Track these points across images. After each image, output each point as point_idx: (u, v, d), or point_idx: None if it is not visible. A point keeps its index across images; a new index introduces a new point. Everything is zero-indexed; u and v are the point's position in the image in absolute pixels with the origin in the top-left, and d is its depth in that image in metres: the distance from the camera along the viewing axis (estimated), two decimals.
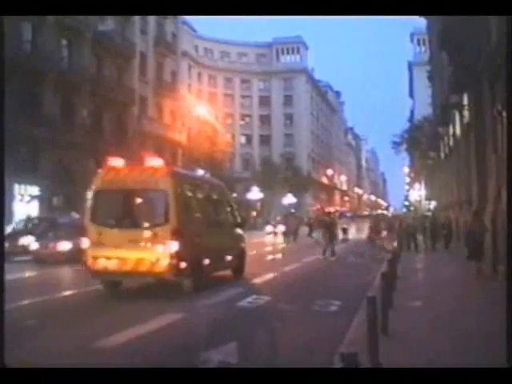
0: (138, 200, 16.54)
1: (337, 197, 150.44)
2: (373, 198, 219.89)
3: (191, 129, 72.18)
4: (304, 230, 55.62)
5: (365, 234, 48.88)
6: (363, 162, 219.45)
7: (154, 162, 16.67)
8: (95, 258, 15.46)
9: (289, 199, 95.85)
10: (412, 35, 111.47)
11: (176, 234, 15.12)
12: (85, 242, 15.79)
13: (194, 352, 8.86)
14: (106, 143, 50.16)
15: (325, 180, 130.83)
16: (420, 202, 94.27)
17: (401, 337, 9.69)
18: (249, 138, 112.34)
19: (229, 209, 21.01)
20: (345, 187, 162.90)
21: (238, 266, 20.16)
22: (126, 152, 32.06)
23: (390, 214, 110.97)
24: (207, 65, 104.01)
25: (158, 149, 61.49)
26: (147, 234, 15.30)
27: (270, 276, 20.83)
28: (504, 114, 17.10)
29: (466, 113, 29.90)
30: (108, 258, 15.33)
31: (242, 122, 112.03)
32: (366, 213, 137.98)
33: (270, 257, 31.73)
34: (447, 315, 11.85)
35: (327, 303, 14.16)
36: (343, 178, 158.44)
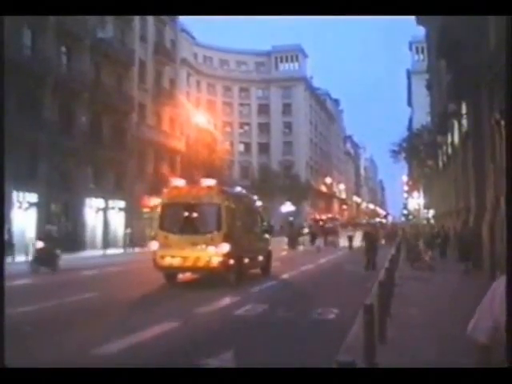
0: (196, 212, 20.90)
1: (335, 205, 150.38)
2: (371, 206, 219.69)
3: (190, 136, 72.19)
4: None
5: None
6: (362, 171, 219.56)
7: (208, 182, 21.67)
8: (163, 256, 20.19)
9: (287, 207, 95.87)
10: (411, 44, 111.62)
11: (226, 238, 19.95)
12: (154, 245, 20.70)
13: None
14: (105, 150, 50.18)
15: (323, 188, 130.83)
16: (418, 210, 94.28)
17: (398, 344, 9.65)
18: (247, 146, 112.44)
19: (259, 218, 26.02)
20: (343, 195, 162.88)
21: (266, 266, 24.90)
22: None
23: (389, 223, 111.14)
24: (206, 73, 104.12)
25: (157, 156, 61.58)
26: (204, 238, 20.12)
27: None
28: (502, 122, 17.12)
29: (464, 121, 29.94)
30: (173, 257, 20.07)
31: (241, 130, 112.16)
32: (364, 221, 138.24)
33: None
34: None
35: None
36: (342, 186, 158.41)
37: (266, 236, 26.17)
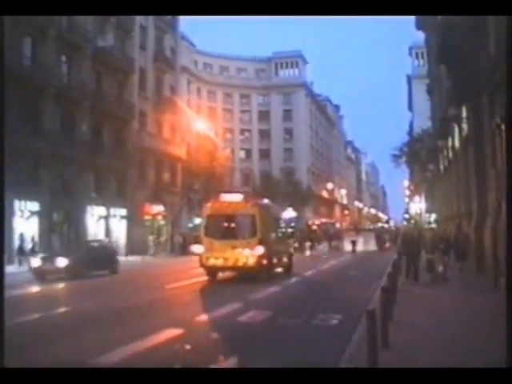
0: (235, 221, 25.30)
1: (337, 210, 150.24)
2: (373, 211, 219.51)
3: (191, 144, 72.17)
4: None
5: (370, 246, 57.74)
6: (363, 176, 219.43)
7: (237, 196, 26.31)
8: (208, 258, 24.57)
9: (289, 213, 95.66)
10: (410, 49, 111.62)
11: (260, 243, 24.38)
12: (200, 249, 25.06)
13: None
14: (106, 158, 50.22)
15: (325, 194, 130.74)
16: (420, 214, 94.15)
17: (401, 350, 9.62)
18: (248, 153, 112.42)
19: (283, 225, 31.80)
20: (345, 201, 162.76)
21: (288, 266, 29.28)
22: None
23: (393, 227, 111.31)
24: (206, 80, 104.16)
25: (158, 164, 61.60)
26: (242, 242, 24.55)
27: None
28: (503, 127, 17.12)
29: (464, 126, 29.92)
30: (216, 258, 24.49)
31: (242, 137, 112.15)
32: (369, 226, 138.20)
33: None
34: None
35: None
36: (343, 191, 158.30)
37: (289, 241, 31.91)
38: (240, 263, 24.40)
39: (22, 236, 39.01)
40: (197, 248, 25.94)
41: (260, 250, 24.31)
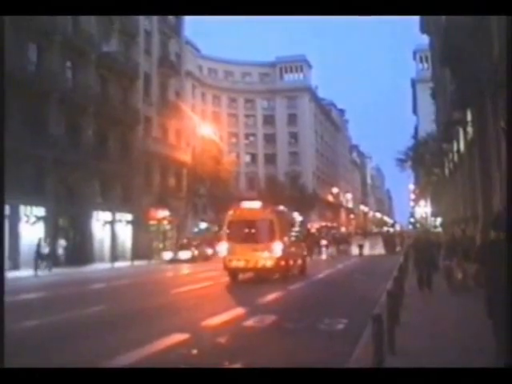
0: (255, 226, 27.15)
1: (342, 214, 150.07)
2: (379, 215, 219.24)
3: (196, 148, 72.25)
4: None
5: (377, 250, 58.65)
6: (368, 180, 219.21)
7: (255, 204, 28.56)
8: (230, 260, 26.36)
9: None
10: (415, 53, 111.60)
11: (278, 246, 26.12)
12: (224, 251, 26.92)
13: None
14: (111, 163, 50.31)
15: (330, 198, 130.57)
16: (426, 218, 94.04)
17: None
18: (254, 157, 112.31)
19: (297, 229, 34.12)
20: (350, 205, 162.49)
21: (303, 268, 30.86)
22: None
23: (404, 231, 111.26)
24: (211, 84, 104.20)
25: (163, 169, 61.68)
26: (261, 246, 26.22)
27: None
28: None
29: (469, 129, 29.90)
30: (238, 260, 26.27)
31: (247, 141, 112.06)
32: (375, 230, 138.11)
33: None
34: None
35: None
36: (349, 195, 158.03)
37: (302, 245, 33.39)
38: (260, 265, 26.29)
39: (40, 241, 39.29)
40: (221, 252, 28.42)
41: (278, 252, 26.13)
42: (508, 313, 5.94)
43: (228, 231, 27.47)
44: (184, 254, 49.89)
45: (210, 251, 53.15)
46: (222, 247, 27.88)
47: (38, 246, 38.61)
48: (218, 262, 28.79)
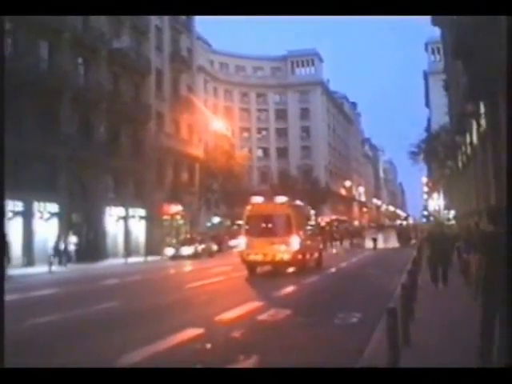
0: (272, 221, 27.82)
1: (355, 208, 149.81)
2: (391, 208, 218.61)
3: (208, 143, 72.32)
4: None
5: (391, 243, 59.03)
6: (381, 173, 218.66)
7: (281, 199, 28.89)
8: (248, 254, 26.92)
9: None
10: (426, 44, 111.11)
11: (296, 240, 26.70)
12: (242, 245, 27.77)
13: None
14: (124, 159, 50.44)
15: (343, 191, 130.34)
16: (439, 211, 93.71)
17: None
18: (266, 152, 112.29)
19: (313, 223, 34.82)
20: (363, 198, 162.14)
21: (319, 260, 31.37)
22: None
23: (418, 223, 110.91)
24: (223, 79, 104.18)
25: (176, 164, 61.76)
26: (279, 239, 26.67)
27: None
28: None
29: (482, 121, 29.77)
30: (256, 254, 26.80)
31: (259, 136, 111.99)
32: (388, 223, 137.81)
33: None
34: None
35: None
36: (361, 189, 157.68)
37: (318, 238, 34.41)
38: (277, 258, 26.76)
39: (59, 237, 39.74)
40: (240, 245, 29.48)
41: (295, 246, 26.69)
42: (508, 312, 5.97)
43: (246, 226, 28.09)
44: (186, 250, 48.14)
45: (215, 247, 52.71)
46: (241, 241, 28.83)
47: (57, 242, 39.11)
48: (221, 259, 29.01)
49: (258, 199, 29.47)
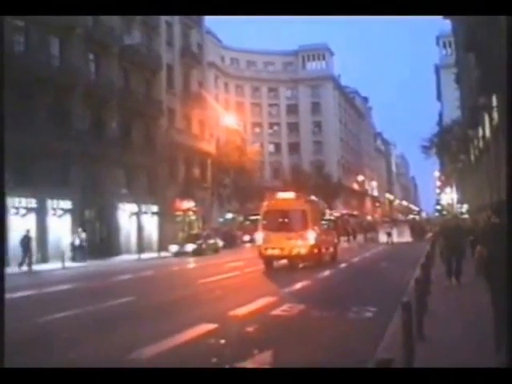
0: (289, 216, 28.31)
1: (368, 203, 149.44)
2: (404, 203, 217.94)
3: (220, 139, 72.36)
4: None
5: (405, 237, 59.06)
6: (393, 167, 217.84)
7: (290, 194, 29.68)
8: (265, 248, 27.68)
9: None
10: (438, 38, 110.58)
11: (312, 234, 27.36)
12: (259, 240, 28.46)
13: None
14: (136, 155, 50.54)
15: (355, 186, 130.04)
16: (452, 205, 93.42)
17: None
18: (278, 147, 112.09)
19: (328, 217, 35.40)
20: (376, 193, 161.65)
21: (334, 254, 32.33)
22: None
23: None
24: (234, 74, 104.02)
25: (188, 159, 61.85)
26: (295, 234, 27.34)
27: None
28: None
29: (495, 114, 29.63)
30: (273, 248, 27.52)
31: (271, 131, 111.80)
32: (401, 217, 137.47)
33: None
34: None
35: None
36: (374, 183, 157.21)
37: (333, 232, 35.24)
38: (294, 252, 27.43)
39: (78, 234, 40.18)
40: (257, 240, 30.01)
41: (311, 240, 27.32)
42: (508, 305, 5.96)
43: (264, 221, 28.69)
44: (190, 247, 45.80)
45: (220, 243, 51.61)
46: (258, 236, 29.38)
47: (73, 238, 39.59)
48: (223, 257, 29.09)
49: (282, 195, 30.07)
